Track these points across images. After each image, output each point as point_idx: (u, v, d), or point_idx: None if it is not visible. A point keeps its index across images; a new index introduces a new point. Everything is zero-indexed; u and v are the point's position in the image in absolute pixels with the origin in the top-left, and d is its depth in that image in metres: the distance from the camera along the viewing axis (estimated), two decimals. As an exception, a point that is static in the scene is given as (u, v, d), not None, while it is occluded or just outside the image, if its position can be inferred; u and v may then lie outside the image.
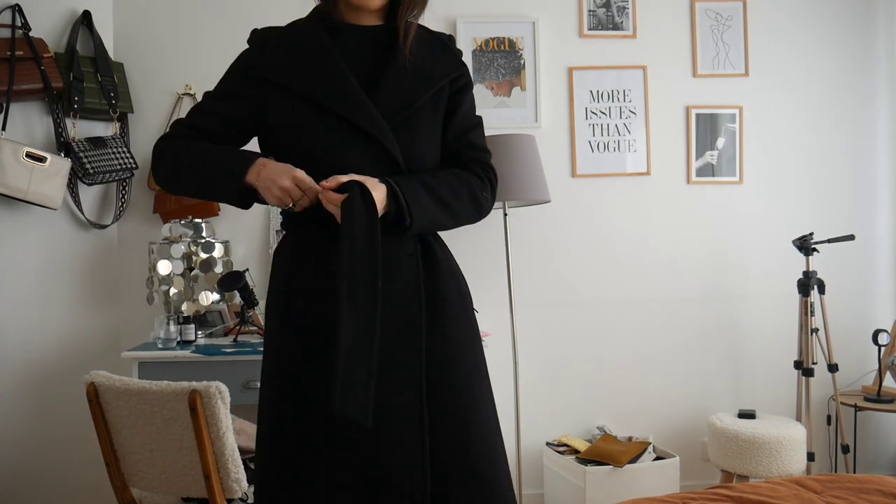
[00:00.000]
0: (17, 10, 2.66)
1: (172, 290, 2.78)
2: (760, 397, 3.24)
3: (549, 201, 2.94)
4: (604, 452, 2.85)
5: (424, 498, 1.38)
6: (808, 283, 2.93)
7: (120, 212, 2.92)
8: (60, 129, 2.73)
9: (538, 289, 3.18)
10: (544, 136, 3.14)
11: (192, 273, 2.80)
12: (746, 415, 2.95)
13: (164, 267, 2.74)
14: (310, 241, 1.44)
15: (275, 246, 3.02)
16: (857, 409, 2.99)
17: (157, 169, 1.48)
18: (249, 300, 2.72)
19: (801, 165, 3.28)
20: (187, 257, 2.79)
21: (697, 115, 3.23)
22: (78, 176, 2.73)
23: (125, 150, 2.85)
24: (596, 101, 3.20)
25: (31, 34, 2.66)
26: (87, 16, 2.83)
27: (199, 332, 2.71)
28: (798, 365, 2.97)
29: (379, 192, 1.36)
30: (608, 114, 3.20)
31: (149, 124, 3.02)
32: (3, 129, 2.57)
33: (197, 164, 1.43)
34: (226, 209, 2.98)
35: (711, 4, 3.23)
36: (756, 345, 3.26)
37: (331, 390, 1.26)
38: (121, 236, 2.99)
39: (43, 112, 2.73)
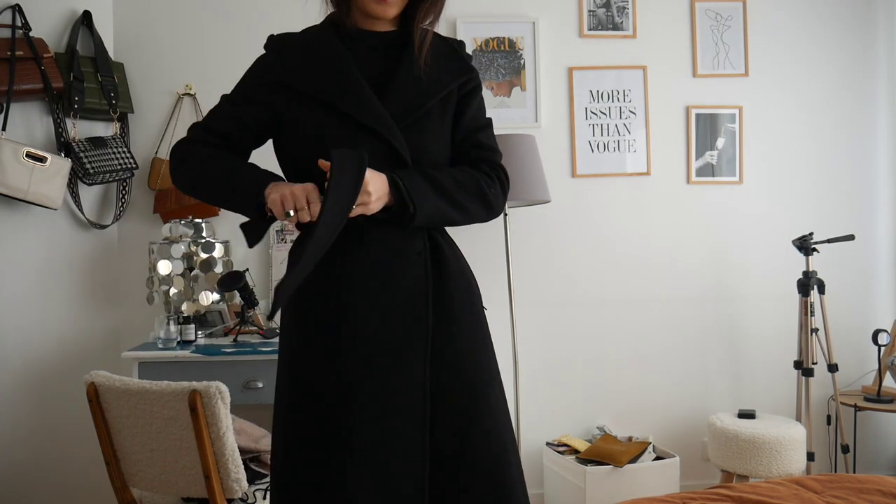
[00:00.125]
0: (17, 10, 2.66)
1: (172, 290, 2.78)
2: (760, 397, 3.24)
3: (549, 201, 2.94)
4: (604, 452, 2.85)
5: (422, 494, 1.40)
6: (808, 283, 2.93)
7: (120, 212, 2.92)
8: (60, 129, 2.73)
9: (538, 289, 3.18)
10: (544, 136, 3.14)
11: (192, 273, 2.80)
12: (746, 415, 2.96)
13: (164, 267, 2.74)
14: None
15: (275, 246, 3.03)
16: (857, 409, 2.99)
17: (178, 174, 1.51)
18: (249, 300, 2.72)
19: (801, 165, 3.28)
20: (187, 257, 2.79)
21: (697, 115, 3.23)
22: (78, 176, 2.74)
23: (125, 150, 2.85)
24: (596, 101, 3.20)
25: (31, 34, 2.67)
26: (87, 16, 2.83)
27: (199, 332, 2.71)
28: (798, 365, 2.97)
29: (380, 180, 1.37)
30: (608, 114, 3.20)
31: (149, 124, 3.02)
32: (4, 129, 2.57)
33: (218, 178, 1.46)
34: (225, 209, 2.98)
35: (711, 4, 3.23)
36: (756, 345, 3.26)
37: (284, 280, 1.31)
38: (121, 236, 2.99)
39: (43, 112, 2.73)
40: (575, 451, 2.95)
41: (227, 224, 3.02)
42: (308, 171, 1.40)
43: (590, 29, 3.20)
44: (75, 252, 2.83)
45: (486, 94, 3.13)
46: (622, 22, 3.20)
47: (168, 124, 3.02)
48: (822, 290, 2.95)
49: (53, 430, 2.77)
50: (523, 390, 3.02)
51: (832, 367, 2.97)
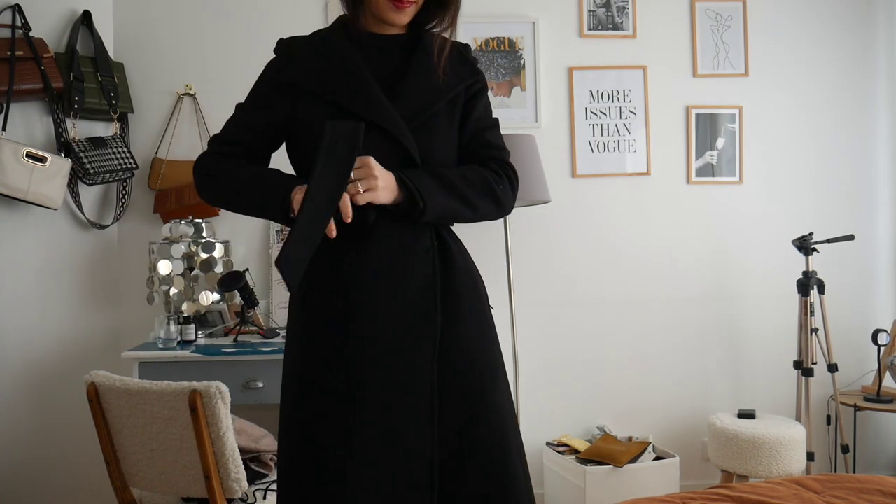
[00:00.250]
0: (17, 10, 2.66)
1: (172, 290, 2.78)
2: (760, 397, 3.24)
3: (549, 201, 2.94)
4: (604, 452, 2.85)
5: (431, 485, 1.41)
6: (807, 283, 2.93)
7: (120, 212, 2.92)
8: (60, 129, 2.73)
9: (538, 289, 3.18)
10: (544, 136, 3.14)
11: (192, 273, 2.80)
12: (746, 415, 2.96)
13: (164, 267, 2.74)
14: (330, 240, 1.46)
15: (275, 246, 3.03)
16: (857, 409, 2.99)
17: (203, 188, 1.53)
18: (249, 300, 2.72)
19: (801, 165, 3.28)
20: (187, 257, 2.79)
21: (697, 115, 3.23)
22: (78, 176, 2.74)
23: (125, 150, 2.85)
24: (596, 101, 3.20)
25: (31, 34, 2.66)
26: (87, 16, 2.83)
27: (200, 332, 2.71)
28: (798, 365, 2.97)
29: (389, 177, 1.38)
30: (608, 114, 3.20)
31: (149, 124, 3.02)
32: (4, 129, 2.57)
33: (243, 187, 1.48)
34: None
35: (711, 4, 3.23)
36: (756, 345, 3.26)
37: (280, 256, 1.30)
38: (121, 236, 2.99)
39: (43, 112, 2.73)
40: (575, 451, 2.95)
41: (227, 224, 3.02)
42: None
43: (590, 29, 3.20)
44: (75, 252, 2.83)
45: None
46: (622, 22, 3.20)
47: (168, 124, 3.02)
48: (822, 290, 2.95)
49: (53, 430, 2.77)
50: (523, 390, 3.02)
51: (832, 367, 2.97)
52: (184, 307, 2.76)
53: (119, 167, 2.80)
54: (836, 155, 3.30)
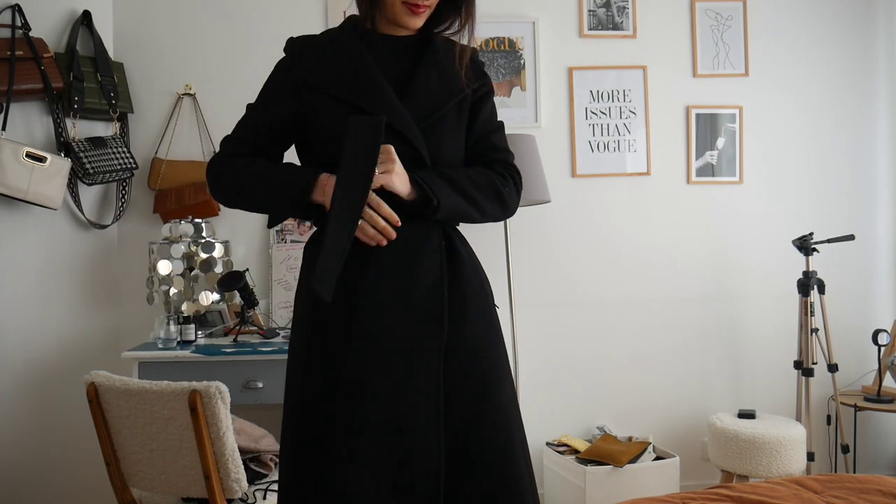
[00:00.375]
0: (17, 10, 2.66)
1: (172, 290, 2.78)
2: (760, 397, 3.24)
3: (549, 201, 2.94)
4: (604, 452, 2.85)
5: (437, 483, 1.41)
6: (808, 283, 2.93)
7: (120, 212, 2.92)
8: (60, 129, 2.73)
9: (538, 289, 3.18)
10: (544, 136, 3.14)
11: (192, 273, 2.80)
12: (746, 415, 2.96)
13: (164, 267, 2.74)
14: None
15: (275, 246, 3.03)
16: (857, 409, 2.99)
17: (217, 190, 1.54)
18: (249, 300, 2.72)
19: (801, 165, 3.28)
20: (187, 257, 2.79)
21: (697, 115, 3.23)
22: (78, 176, 2.73)
23: (125, 150, 2.85)
24: (596, 101, 3.20)
25: (31, 34, 2.66)
26: (87, 16, 2.83)
27: (199, 332, 2.71)
28: (798, 365, 2.97)
29: (403, 176, 1.40)
30: (608, 114, 3.20)
31: (149, 124, 3.02)
32: (3, 129, 2.57)
33: (259, 187, 1.49)
34: (226, 209, 2.98)
35: (711, 4, 3.23)
36: (756, 345, 3.26)
37: (315, 274, 1.35)
38: (121, 236, 2.99)
39: (43, 112, 2.73)
40: (575, 451, 2.95)
41: (227, 224, 3.02)
42: (333, 168, 1.42)
43: (590, 29, 3.20)
44: (75, 252, 2.83)
45: (486, 94, 3.13)
46: (622, 22, 3.20)
47: (168, 124, 3.02)
48: (822, 290, 2.95)
49: (53, 430, 2.77)
50: (523, 390, 3.02)
51: (832, 367, 2.97)
52: (184, 307, 2.76)
53: (119, 167, 2.80)
54: (836, 155, 3.30)
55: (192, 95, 3.03)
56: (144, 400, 1.87)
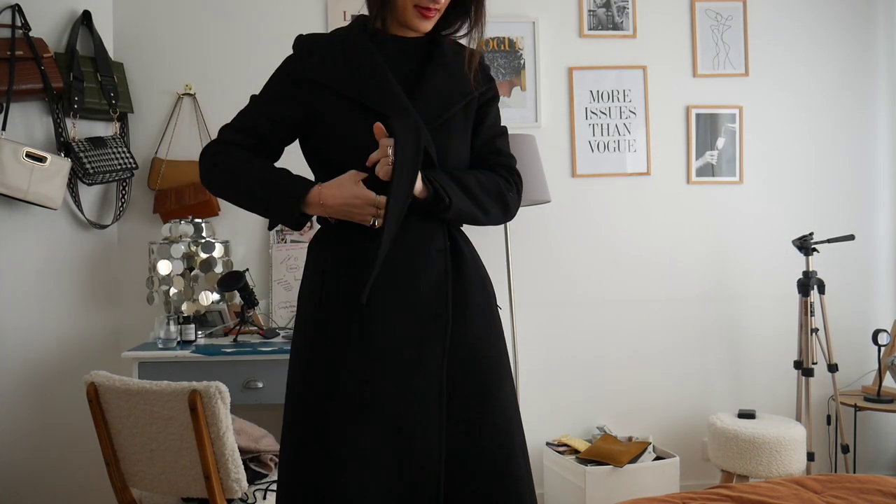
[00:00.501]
0: (17, 10, 2.65)
1: (172, 290, 2.78)
2: (760, 397, 3.24)
3: (549, 201, 2.94)
4: (604, 452, 2.85)
5: (438, 483, 1.42)
6: (808, 283, 2.93)
7: (120, 212, 2.92)
8: (60, 129, 2.73)
9: (538, 289, 3.18)
10: (544, 136, 3.14)
11: (192, 273, 2.80)
12: (746, 415, 2.95)
13: (164, 267, 2.74)
14: (343, 233, 1.48)
15: (275, 246, 3.03)
16: (857, 409, 2.99)
17: (210, 177, 1.52)
18: (249, 300, 2.72)
19: (801, 165, 3.28)
20: (187, 257, 2.79)
21: (697, 115, 3.23)
22: (78, 176, 2.73)
23: (125, 150, 2.85)
24: (596, 101, 3.20)
25: (31, 34, 2.66)
26: (87, 16, 2.83)
27: (199, 332, 2.71)
28: (798, 365, 2.97)
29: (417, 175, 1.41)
30: (608, 114, 3.20)
31: (149, 124, 3.02)
32: (3, 129, 2.57)
33: (253, 186, 1.48)
34: (225, 209, 2.98)
35: (711, 4, 3.23)
36: (756, 345, 3.26)
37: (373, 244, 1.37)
38: (121, 236, 2.99)
39: (43, 112, 2.73)
40: (575, 451, 2.95)
41: (227, 224, 3.02)
42: (340, 167, 1.43)
43: (590, 29, 3.20)
44: (75, 252, 2.83)
45: (486, 94, 3.13)
46: (622, 22, 3.20)
47: (168, 124, 3.02)
48: (822, 290, 2.95)
49: (53, 430, 2.77)
50: (523, 390, 3.02)
51: (832, 367, 2.97)
52: (184, 307, 2.76)
53: (119, 167, 2.80)
54: (836, 155, 3.30)
55: (192, 95, 3.03)
56: (144, 400, 1.87)
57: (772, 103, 3.26)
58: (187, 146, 3.01)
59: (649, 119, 3.21)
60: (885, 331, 3.04)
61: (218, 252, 2.82)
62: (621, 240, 3.22)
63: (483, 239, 3.02)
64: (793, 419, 2.97)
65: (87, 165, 2.70)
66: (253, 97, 1.55)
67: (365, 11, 1.55)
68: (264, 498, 2.08)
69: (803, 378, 2.95)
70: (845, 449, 2.99)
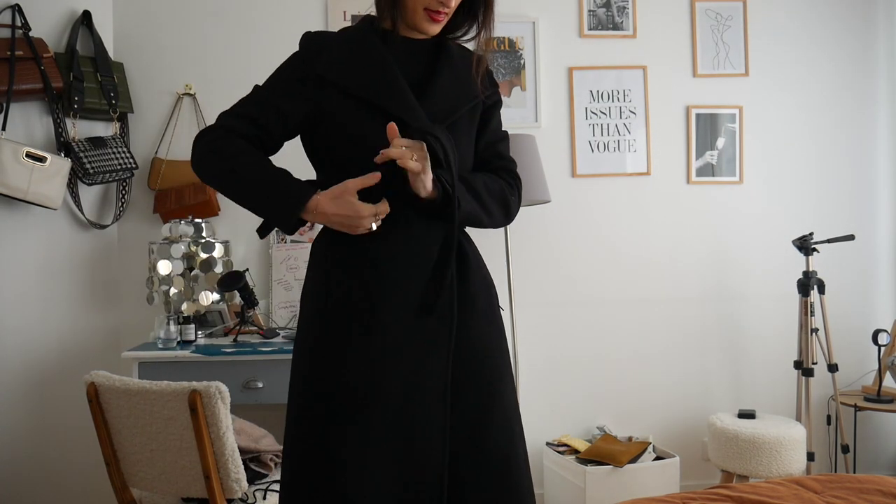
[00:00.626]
0: (17, 10, 2.65)
1: (172, 290, 2.78)
2: (760, 397, 3.24)
3: (549, 201, 2.94)
4: (604, 452, 2.85)
5: (441, 485, 1.42)
6: (808, 283, 2.93)
7: (120, 212, 2.92)
8: (60, 129, 2.73)
9: (538, 289, 3.18)
10: (544, 136, 3.14)
11: (192, 273, 2.80)
12: (746, 415, 2.96)
13: (164, 267, 2.74)
14: (346, 233, 1.47)
15: (275, 246, 3.03)
16: (857, 409, 2.99)
17: (204, 164, 1.48)
18: (249, 300, 2.72)
19: (801, 165, 3.28)
20: (187, 257, 2.79)
21: (697, 115, 3.23)
22: (78, 176, 2.73)
23: (125, 150, 2.85)
24: (596, 101, 3.20)
25: (31, 34, 2.66)
26: (87, 16, 2.83)
27: (199, 332, 2.71)
28: (798, 365, 2.97)
29: (430, 175, 1.40)
30: (608, 114, 3.20)
31: (149, 124, 3.02)
32: (3, 129, 2.57)
33: (251, 181, 1.45)
34: (225, 209, 2.98)
35: (711, 4, 3.23)
36: (756, 345, 3.26)
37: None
38: (121, 236, 2.99)
39: (43, 112, 2.73)
40: (575, 451, 2.95)
41: (227, 224, 3.02)
42: (345, 166, 1.42)
43: (590, 29, 3.20)
44: (75, 252, 2.83)
45: (486, 94, 3.13)
46: (622, 22, 3.20)
47: (168, 124, 3.02)
48: (822, 290, 2.95)
49: (53, 430, 2.77)
50: (523, 390, 3.02)
51: (832, 367, 2.97)
52: (184, 307, 2.76)
53: (119, 167, 2.80)
54: (836, 155, 3.30)
55: (192, 95, 3.03)
56: (144, 400, 1.87)
57: (772, 103, 3.26)
58: (187, 146, 2.97)
59: (649, 119, 3.21)
60: (885, 331, 3.04)
61: (218, 252, 2.82)
62: (621, 240, 3.22)
63: (483, 239, 3.02)
64: (793, 419, 2.97)
65: (87, 165, 2.70)
66: (256, 87, 1.52)
67: (371, 11, 1.54)
68: (264, 498, 2.08)
69: (803, 378, 2.95)
70: (845, 449, 2.99)
